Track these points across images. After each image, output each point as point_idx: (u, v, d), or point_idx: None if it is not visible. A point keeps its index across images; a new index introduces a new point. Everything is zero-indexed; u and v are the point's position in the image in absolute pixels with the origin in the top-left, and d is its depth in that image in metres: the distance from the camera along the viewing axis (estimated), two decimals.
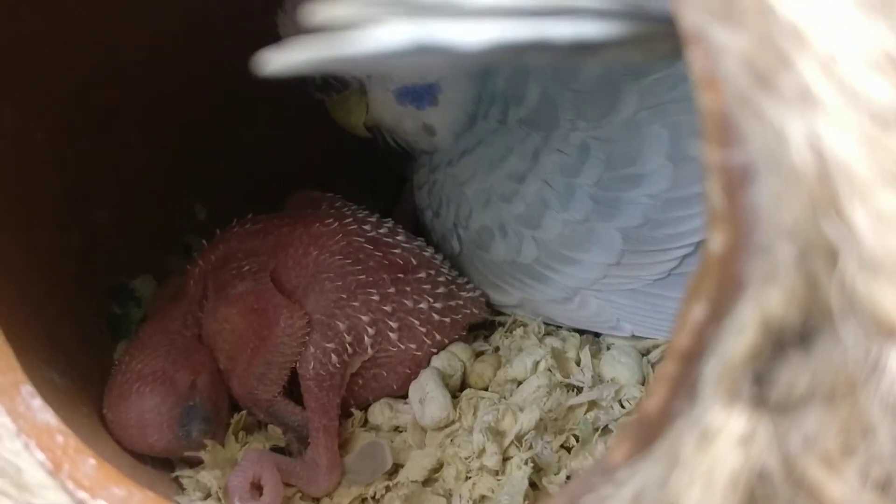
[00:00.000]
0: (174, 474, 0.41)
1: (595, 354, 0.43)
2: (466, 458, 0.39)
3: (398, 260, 0.43)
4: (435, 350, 0.44)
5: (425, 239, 0.46)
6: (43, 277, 0.43)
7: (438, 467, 0.40)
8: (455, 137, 0.45)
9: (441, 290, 0.43)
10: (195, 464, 0.41)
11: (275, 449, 0.42)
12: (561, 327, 0.45)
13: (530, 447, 0.38)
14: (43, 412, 0.31)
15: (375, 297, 0.42)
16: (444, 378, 0.43)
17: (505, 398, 0.41)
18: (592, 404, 0.40)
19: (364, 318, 0.41)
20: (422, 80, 0.44)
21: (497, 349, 0.45)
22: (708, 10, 0.19)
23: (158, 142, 0.49)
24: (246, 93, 0.50)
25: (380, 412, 0.43)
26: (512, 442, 0.38)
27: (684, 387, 0.21)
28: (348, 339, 0.41)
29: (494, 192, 0.43)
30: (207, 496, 0.40)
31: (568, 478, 0.38)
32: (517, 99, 0.43)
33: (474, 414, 0.41)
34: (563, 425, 0.40)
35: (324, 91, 0.45)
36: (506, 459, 0.38)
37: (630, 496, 0.22)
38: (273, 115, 0.50)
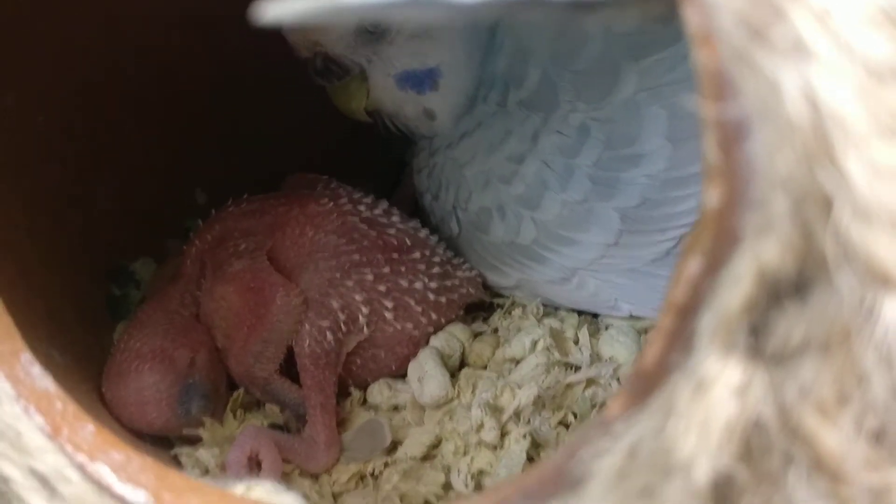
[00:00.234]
0: (173, 452, 0.41)
1: (593, 334, 0.43)
2: (465, 434, 0.39)
3: (393, 240, 0.43)
4: (432, 330, 0.44)
5: (423, 221, 0.47)
6: (44, 258, 0.43)
7: (437, 443, 0.40)
8: (455, 121, 0.46)
9: (436, 269, 0.44)
10: (194, 441, 0.42)
11: (273, 426, 0.42)
12: (559, 308, 0.46)
13: (528, 422, 0.38)
14: (42, 379, 0.31)
15: (369, 277, 0.42)
16: (443, 358, 0.43)
17: (503, 376, 0.42)
18: (590, 382, 0.41)
19: (358, 297, 0.42)
20: (422, 64, 0.44)
21: (496, 330, 0.45)
22: None
23: (160, 126, 0.50)
24: (247, 78, 0.51)
25: (379, 392, 0.43)
26: (510, 417, 0.39)
27: (681, 340, 0.22)
28: (342, 317, 0.41)
29: (494, 173, 0.44)
30: (206, 473, 0.40)
31: None
32: (517, 81, 0.43)
33: (473, 391, 0.41)
34: (562, 402, 0.40)
35: (325, 77, 0.45)
36: (504, 435, 0.39)
37: (627, 448, 0.22)
38: (274, 102, 0.51)
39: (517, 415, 0.39)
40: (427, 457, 0.40)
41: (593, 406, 0.39)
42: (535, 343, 0.42)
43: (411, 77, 0.44)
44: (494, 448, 0.38)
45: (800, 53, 0.19)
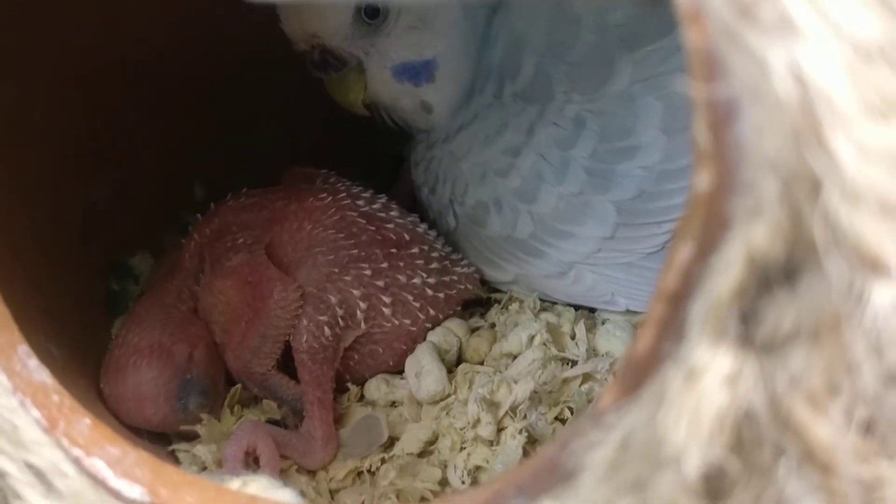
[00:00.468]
0: (170, 448, 0.41)
1: (590, 329, 0.43)
2: (461, 429, 0.39)
3: (391, 235, 0.43)
4: (429, 325, 0.44)
5: (422, 216, 0.47)
6: (43, 252, 0.43)
7: (434, 439, 0.40)
8: (452, 114, 0.46)
9: (434, 265, 0.44)
10: (191, 438, 0.42)
11: (270, 422, 0.42)
12: (556, 303, 0.45)
13: (524, 417, 0.38)
14: (39, 372, 0.31)
15: (367, 272, 0.42)
16: (440, 353, 0.43)
17: (500, 371, 0.41)
18: (587, 377, 0.40)
19: (356, 292, 0.41)
20: (419, 56, 0.44)
21: (493, 325, 0.45)
22: None
23: (158, 121, 0.50)
24: (245, 72, 0.51)
25: (376, 387, 0.43)
26: (506, 412, 0.38)
27: (672, 328, 0.21)
28: (340, 312, 0.41)
29: (490, 166, 0.44)
30: (203, 469, 0.40)
31: None
32: (512, 73, 0.43)
33: (470, 387, 0.41)
34: (558, 397, 0.40)
35: (322, 69, 0.45)
36: (500, 430, 0.38)
37: (619, 439, 0.22)
38: (272, 96, 0.51)
39: (513, 410, 0.38)
40: (424, 452, 0.40)
41: (590, 401, 0.39)
42: (531, 338, 0.42)
43: (408, 69, 0.44)
44: (491, 444, 0.38)
45: (787, 31, 0.18)
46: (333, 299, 0.41)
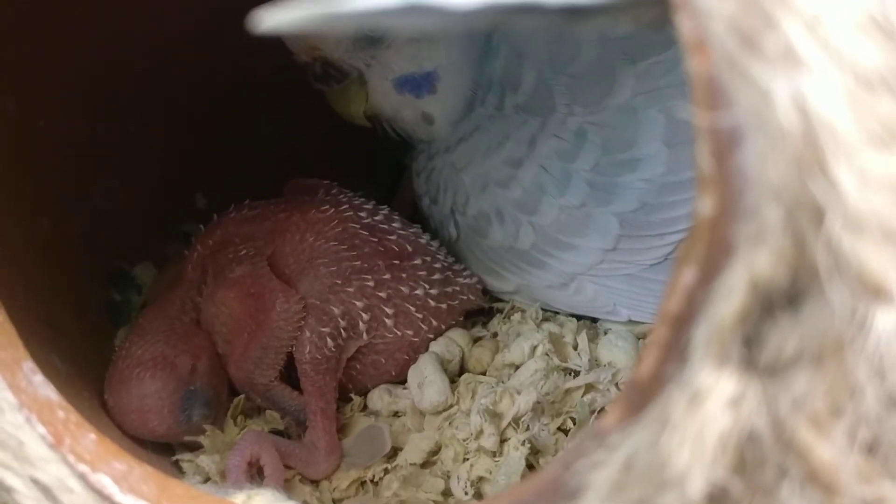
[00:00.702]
0: (174, 458, 0.42)
1: (592, 339, 0.43)
2: (464, 440, 0.39)
3: (394, 246, 0.43)
4: (432, 336, 0.44)
5: (423, 226, 0.47)
6: (45, 263, 0.43)
7: (437, 450, 0.40)
8: (453, 125, 0.46)
9: (437, 276, 0.44)
10: (195, 448, 0.42)
11: (273, 433, 0.42)
12: (559, 313, 0.46)
13: (527, 428, 0.38)
14: (44, 387, 0.31)
15: (370, 283, 0.42)
16: (443, 363, 0.43)
17: (503, 382, 0.42)
18: (589, 387, 0.40)
19: (358, 303, 0.42)
20: (420, 68, 0.44)
21: (495, 335, 0.45)
22: None
23: (160, 131, 0.50)
24: (247, 83, 0.51)
25: (379, 398, 0.43)
26: (509, 423, 0.39)
27: (675, 351, 0.22)
28: (343, 323, 0.41)
29: (491, 177, 0.44)
30: (207, 480, 0.40)
31: None
32: (513, 85, 0.43)
33: (472, 397, 0.41)
34: (561, 408, 0.40)
35: (323, 81, 0.45)
36: (503, 441, 0.39)
37: (622, 460, 0.22)
38: (274, 105, 0.51)
39: (516, 421, 0.39)
40: (427, 463, 0.40)
41: (592, 412, 0.39)
42: (534, 348, 0.42)
43: (409, 81, 0.44)
44: (494, 454, 0.38)
45: (790, 62, 0.19)
46: (336, 311, 0.41)
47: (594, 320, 0.45)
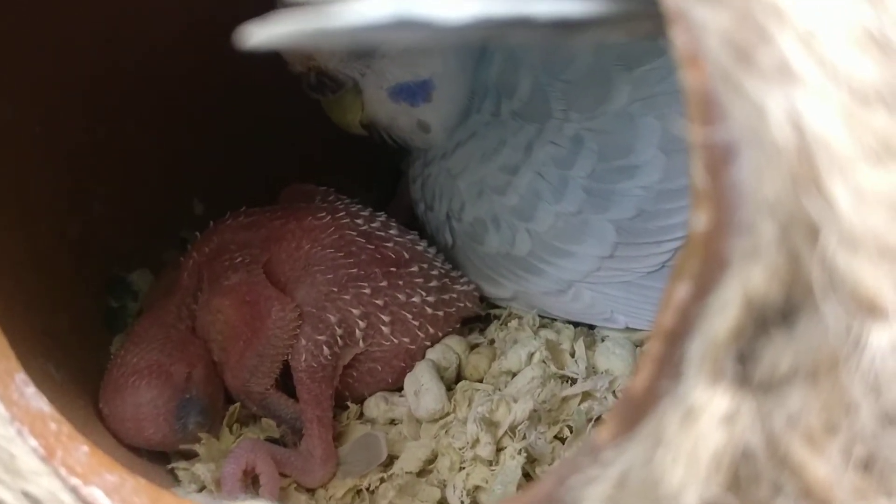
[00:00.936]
0: (169, 466, 0.41)
1: (589, 346, 0.43)
2: (461, 449, 0.39)
3: (390, 254, 0.43)
4: (429, 343, 0.44)
5: (419, 232, 0.47)
6: (40, 270, 0.43)
7: (433, 458, 0.40)
8: (449, 132, 0.46)
9: (434, 283, 0.44)
10: (190, 456, 0.42)
11: (269, 441, 0.42)
12: (556, 319, 0.45)
13: (524, 437, 0.38)
14: (36, 399, 0.31)
15: (367, 291, 0.42)
16: (440, 370, 0.43)
17: (499, 389, 0.41)
18: (586, 395, 0.40)
19: (355, 311, 0.41)
20: (415, 76, 0.44)
21: (492, 342, 0.45)
22: None
23: (157, 137, 0.50)
24: (244, 89, 0.50)
25: (375, 405, 0.43)
26: (506, 432, 0.38)
27: (669, 366, 0.21)
28: (339, 331, 0.41)
29: (487, 184, 0.44)
30: (202, 488, 0.40)
31: None
32: (509, 91, 0.43)
33: (469, 405, 0.41)
34: (558, 416, 0.40)
35: (319, 91, 0.45)
36: (500, 450, 0.38)
37: (616, 476, 0.22)
38: (271, 112, 0.50)
39: (513, 430, 0.38)
40: (423, 472, 0.40)
41: (589, 420, 0.39)
42: (531, 355, 0.42)
43: (404, 89, 0.44)
44: (490, 463, 0.38)
45: (785, 77, 0.18)
46: (332, 318, 0.41)
47: (591, 327, 0.45)
